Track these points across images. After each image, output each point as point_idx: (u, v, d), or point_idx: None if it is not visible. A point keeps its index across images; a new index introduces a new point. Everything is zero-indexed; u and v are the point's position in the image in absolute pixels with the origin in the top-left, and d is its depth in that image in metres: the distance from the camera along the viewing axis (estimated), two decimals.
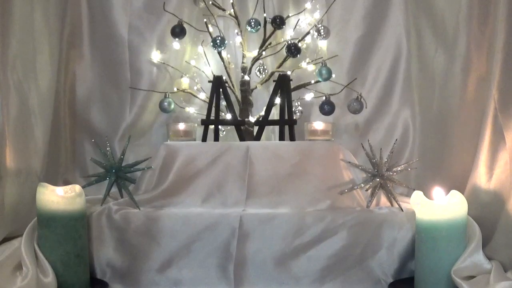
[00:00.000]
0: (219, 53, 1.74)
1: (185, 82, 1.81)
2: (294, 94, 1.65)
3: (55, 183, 1.29)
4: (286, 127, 1.54)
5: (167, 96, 1.75)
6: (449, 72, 1.56)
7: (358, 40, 1.79)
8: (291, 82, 1.61)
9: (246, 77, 1.72)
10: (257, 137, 1.55)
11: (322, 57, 1.71)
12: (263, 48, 1.74)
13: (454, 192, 1.15)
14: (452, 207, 1.13)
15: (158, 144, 1.60)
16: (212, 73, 1.76)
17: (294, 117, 1.62)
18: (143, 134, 1.82)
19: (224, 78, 1.62)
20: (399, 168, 1.38)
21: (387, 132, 1.79)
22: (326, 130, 1.57)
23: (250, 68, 1.74)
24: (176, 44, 1.79)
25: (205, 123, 1.58)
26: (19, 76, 1.38)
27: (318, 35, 1.72)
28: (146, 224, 1.28)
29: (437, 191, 1.17)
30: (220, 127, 1.64)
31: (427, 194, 1.18)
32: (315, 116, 1.77)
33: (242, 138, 1.58)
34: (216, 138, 1.58)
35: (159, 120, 1.82)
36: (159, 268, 1.26)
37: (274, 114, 1.73)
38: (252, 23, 1.69)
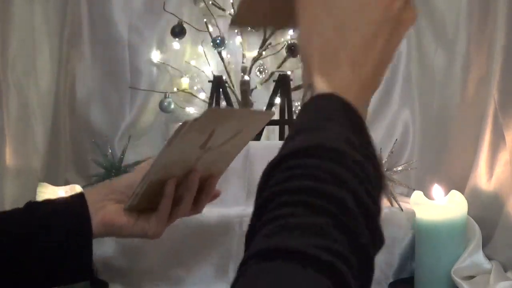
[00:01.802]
0: (219, 53, 1.74)
1: (185, 82, 1.81)
2: (294, 94, 1.65)
3: (55, 183, 1.29)
4: (286, 127, 1.54)
5: (167, 96, 1.75)
6: (449, 72, 1.56)
7: None
8: (291, 82, 1.61)
9: (246, 77, 1.72)
10: (257, 137, 1.55)
11: None
12: (263, 48, 1.74)
13: (454, 192, 1.15)
14: (452, 207, 1.14)
15: (158, 144, 1.60)
16: (212, 73, 1.76)
17: (294, 117, 1.62)
18: (143, 134, 1.81)
19: (224, 78, 1.62)
20: (399, 168, 1.38)
21: (387, 132, 1.79)
22: None
23: (250, 68, 1.74)
24: (176, 44, 1.78)
25: None
26: (19, 76, 1.38)
27: None
28: None
29: (436, 189, 1.17)
30: None
31: (427, 194, 1.18)
32: None
33: None
34: None
35: (159, 120, 1.82)
36: (159, 268, 1.26)
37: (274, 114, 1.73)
38: None
